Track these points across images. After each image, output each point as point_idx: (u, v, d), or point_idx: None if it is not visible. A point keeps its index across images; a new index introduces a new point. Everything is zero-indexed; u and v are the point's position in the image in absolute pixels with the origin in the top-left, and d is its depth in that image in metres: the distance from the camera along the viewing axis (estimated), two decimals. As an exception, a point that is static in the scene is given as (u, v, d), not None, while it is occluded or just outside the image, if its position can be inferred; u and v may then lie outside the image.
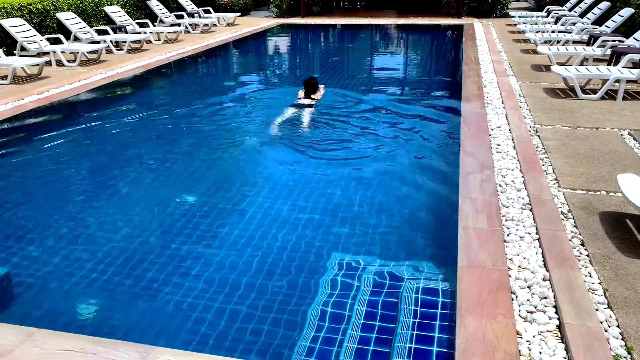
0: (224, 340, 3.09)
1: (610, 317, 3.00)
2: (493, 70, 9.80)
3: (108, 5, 14.87)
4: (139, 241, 4.22)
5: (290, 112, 7.56)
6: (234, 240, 4.20)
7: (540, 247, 3.74)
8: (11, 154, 6.35)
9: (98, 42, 12.21)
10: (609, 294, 3.19)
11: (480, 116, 6.90)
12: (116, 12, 14.54)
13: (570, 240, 3.80)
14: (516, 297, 3.19)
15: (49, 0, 12.75)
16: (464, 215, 4.17)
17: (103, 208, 4.87)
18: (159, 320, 3.29)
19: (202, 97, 9.33)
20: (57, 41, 11.49)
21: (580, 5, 15.11)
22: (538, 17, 16.12)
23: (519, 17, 16.04)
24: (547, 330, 2.91)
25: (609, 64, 8.98)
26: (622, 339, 2.83)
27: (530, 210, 4.28)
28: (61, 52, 10.80)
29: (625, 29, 11.98)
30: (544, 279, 3.35)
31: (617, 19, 11.62)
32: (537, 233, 3.92)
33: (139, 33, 13.97)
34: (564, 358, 2.71)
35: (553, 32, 12.57)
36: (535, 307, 3.09)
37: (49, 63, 10.62)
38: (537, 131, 6.28)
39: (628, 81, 7.91)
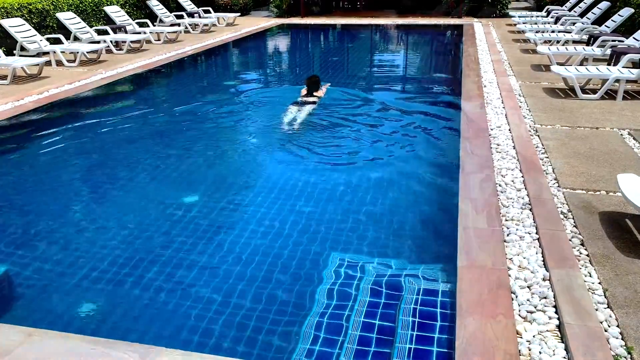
0: (229, 337, 3.10)
1: (610, 317, 3.00)
2: (493, 70, 9.80)
3: (108, 5, 14.88)
4: (138, 241, 4.22)
5: (292, 109, 7.59)
6: (236, 238, 4.20)
7: (540, 247, 3.74)
8: (11, 154, 6.35)
9: (98, 42, 12.21)
10: (608, 293, 3.19)
11: (480, 116, 6.90)
12: (116, 12, 14.54)
13: (570, 240, 3.80)
14: (516, 297, 3.19)
15: (48, 0, 12.75)
16: (464, 215, 4.17)
17: (103, 208, 4.88)
18: (159, 320, 3.29)
19: (202, 97, 9.33)
20: (57, 41, 11.49)
21: (580, 5, 15.11)
22: (538, 17, 16.12)
23: (519, 17, 16.04)
24: (547, 330, 2.91)
25: (608, 64, 8.98)
26: (622, 339, 2.83)
27: (530, 210, 4.28)
28: (61, 52, 10.79)
29: (625, 29, 11.98)
30: (543, 279, 3.35)
31: (617, 18, 11.63)
32: (537, 233, 3.92)
33: (139, 33, 13.96)
34: (564, 358, 2.71)
35: (553, 32, 12.57)
36: (535, 307, 3.10)
37: (48, 63, 10.62)
38: (537, 131, 6.28)
39: (628, 81, 7.91)
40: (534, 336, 2.86)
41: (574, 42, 11.54)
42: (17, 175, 5.68)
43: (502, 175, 4.99)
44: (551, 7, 16.71)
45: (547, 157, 5.43)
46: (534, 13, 17.05)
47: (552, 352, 2.74)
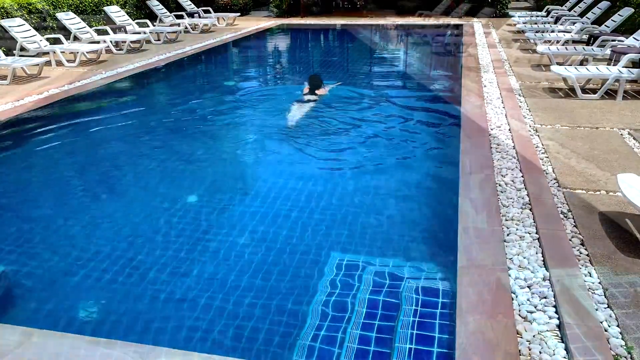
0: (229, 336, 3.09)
1: (610, 316, 3.00)
2: (493, 70, 9.80)
3: (108, 5, 14.88)
4: (137, 241, 4.22)
5: (295, 106, 7.63)
6: (239, 234, 4.20)
7: (540, 246, 3.74)
8: (11, 154, 6.35)
9: (98, 42, 12.20)
10: (608, 293, 3.19)
11: (480, 116, 6.90)
12: (116, 12, 14.53)
13: (570, 240, 3.80)
14: (516, 296, 3.19)
15: (48, 0, 12.74)
16: (464, 215, 4.17)
17: (103, 207, 4.87)
18: (159, 320, 3.28)
19: (203, 96, 9.33)
20: (57, 41, 11.49)
21: (579, 4, 15.11)
22: (538, 16, 16.12)
23: (519, 16, 16.04)
24: (547, 330, 2.91)
25: (608, 64, 8.98)
26: (622, 339, 2.83)
27: (530, 209, 4.28)
28: (61, 52, 10.79)
29: (625, 29, 11.98)
30: (543, 279, 3.35)
31: (617, 18, 11.62)
32: (537, 233, 3.92)
33: (139, 33, 13.96)
34: (564, 358, 2.71)
35: (553, 31, 12.57)
36: (535, 307, 3.09)
37: (48, 63, 10.61)
38: (537, 131, 6.28)
39: (628, 81, 7.90)
40: (534, 336, 2.86)
41: (574, 42, 11.54)
42: (16, 175, 5.68)
43: (502, 175, 4.99)
44: (551, 7, 16.71)
45: (547, 157, 5.42)
46: (534, 13, 17.05)
47: (552, 352, 2.74)
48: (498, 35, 14.07)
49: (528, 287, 3.29)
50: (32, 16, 12.08)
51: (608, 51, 9.26)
